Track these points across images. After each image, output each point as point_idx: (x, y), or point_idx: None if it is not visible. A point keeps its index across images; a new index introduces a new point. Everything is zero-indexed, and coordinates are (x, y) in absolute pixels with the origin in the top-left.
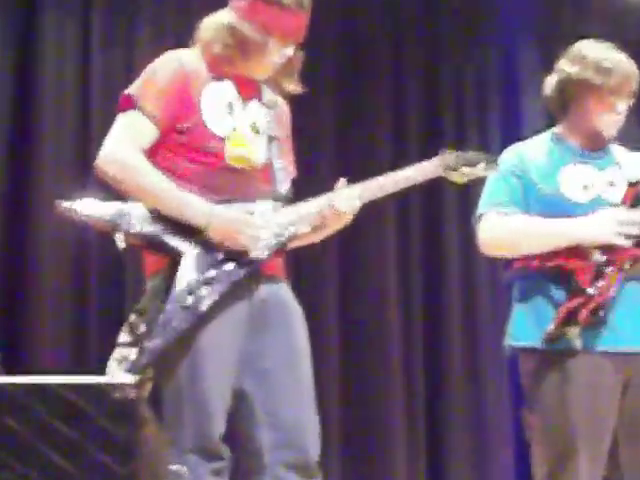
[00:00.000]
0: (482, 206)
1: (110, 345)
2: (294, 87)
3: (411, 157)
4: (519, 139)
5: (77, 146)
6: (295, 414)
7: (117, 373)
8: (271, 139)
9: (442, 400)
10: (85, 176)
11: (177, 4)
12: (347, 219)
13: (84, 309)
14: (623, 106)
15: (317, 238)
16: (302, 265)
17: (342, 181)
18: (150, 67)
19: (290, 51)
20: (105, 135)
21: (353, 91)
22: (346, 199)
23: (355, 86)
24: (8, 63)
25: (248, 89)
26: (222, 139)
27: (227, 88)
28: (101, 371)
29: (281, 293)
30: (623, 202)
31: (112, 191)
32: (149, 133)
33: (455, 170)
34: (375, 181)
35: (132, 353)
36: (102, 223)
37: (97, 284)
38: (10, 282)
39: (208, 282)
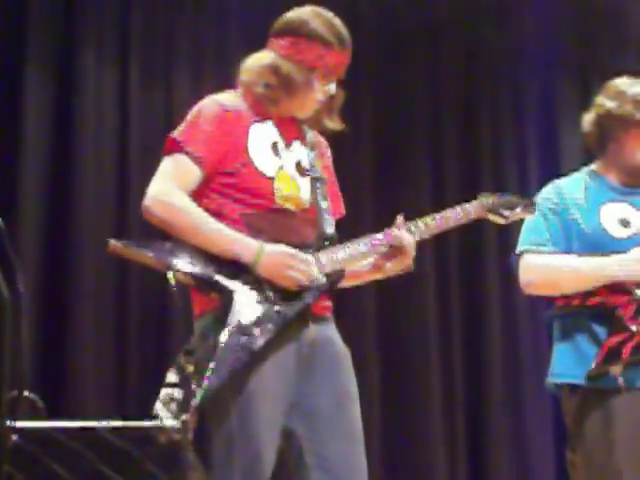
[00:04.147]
0: (521, 244)
1: (151, 385)
2: (335, 125)
3: (450, 194)
4: (557, 175)
5: (116, 187)
6: (344, 456)
7: (163, 414)
8: (315, 180)
9: (485, 440)
10: (124, 217)
11: (214, 47)
12: (411, 257)
13: (125, 350)
14: None
15: (380, 276)
16: (341, 313)
17: (400, 218)
18: (194, 111)
19: (333, 88)
20: (144, 176)
21: (391, 136)
22: (407, 235)
23: (394, 131)
24: (47, 106)
25: (290, 130)
26: (270, 179)
27: (270, 129)
28: (142, 411)
29: (330, 334)
30: None
31: (154, 233)
32: (195, 175)
33: (495, 212)
34: (420, 222)
35: (179, 394)
36: (156, 261)
37: (138, 325)
38: (51, 325)
39: (259, 322)
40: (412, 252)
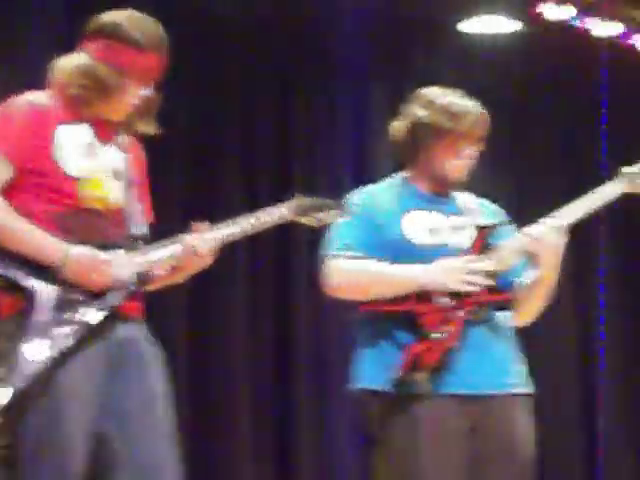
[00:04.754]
0: (328, 248)
1: None
2: (149, 128)
3: (261, 196)
4: (369, 181)
5: None
6: (153, 456)
7: None
8: (127, 182)
9: (290, 438)
10: None
11: (22, 44)
12: (208, 261)
13: None
14: (472, 152)
15: (178, 279)
16: (149, 309)
17: (198, 223)
18: (1, 109)
19: (147, 92)
20: None
21: (204, 139)
22: (206, 241)
23: (205, 128)
24: None
25: (105, 132)
26: (76, 180)
27: (83, 130)
28: None
29: (138, 334)
30: (471, 248)
31: None
32: (2, 173)
33: (307, 215)
34: (232, 223)
35: None
36: None
37: None
38: None
39: (67, 323)
40: (205, 256)
